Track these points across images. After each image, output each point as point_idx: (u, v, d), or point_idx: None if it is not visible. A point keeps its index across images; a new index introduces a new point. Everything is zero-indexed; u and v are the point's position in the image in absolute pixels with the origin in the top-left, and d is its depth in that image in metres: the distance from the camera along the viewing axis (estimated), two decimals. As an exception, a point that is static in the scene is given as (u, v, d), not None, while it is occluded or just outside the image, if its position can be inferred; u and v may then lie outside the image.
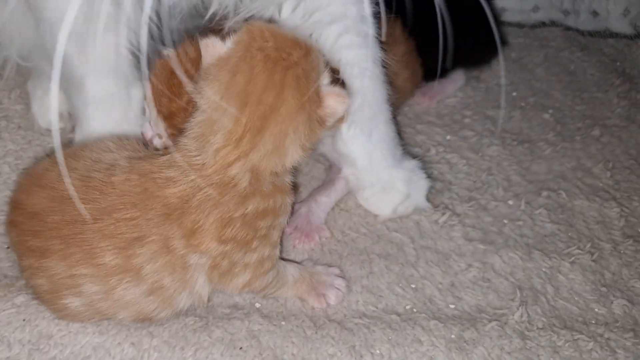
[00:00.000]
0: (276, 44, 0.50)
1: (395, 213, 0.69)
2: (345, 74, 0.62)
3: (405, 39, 0.79)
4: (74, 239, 0.50)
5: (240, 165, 0.50)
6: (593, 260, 0.68)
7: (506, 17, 1.04)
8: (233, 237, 0.51)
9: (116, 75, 0.61)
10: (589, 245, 0.70)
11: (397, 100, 0.78)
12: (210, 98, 0.50)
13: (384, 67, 0.66)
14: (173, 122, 0.59)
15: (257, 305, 0.60)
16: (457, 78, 0.89)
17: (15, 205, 0.54)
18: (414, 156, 0.76)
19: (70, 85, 0.63)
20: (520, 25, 1.03)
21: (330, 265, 0.64)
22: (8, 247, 0.59)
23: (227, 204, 0.51)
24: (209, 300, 0.56)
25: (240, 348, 0.55)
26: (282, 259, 0.61)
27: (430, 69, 0.84)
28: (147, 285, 0.51)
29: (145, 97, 0.60)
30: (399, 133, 0.79)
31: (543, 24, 1.04)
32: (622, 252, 0.70)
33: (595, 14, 1.04)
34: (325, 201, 0.68)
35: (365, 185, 0.69)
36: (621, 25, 1.03)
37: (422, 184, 0.70)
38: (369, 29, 0.61)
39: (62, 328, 0.54)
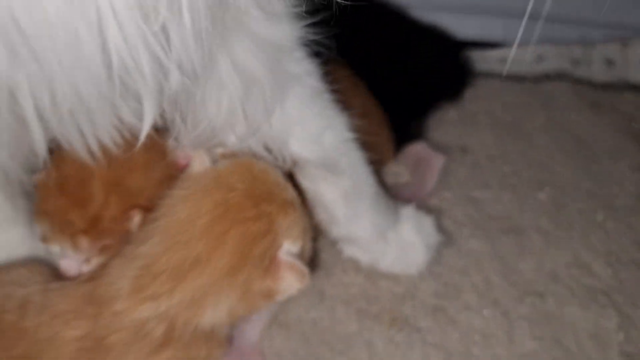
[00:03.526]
0: (248, 190, 0.46)
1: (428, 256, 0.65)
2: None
3: (364, 109, 0.70)
4: None
5: (151, 307, 0.43)
6: (580, 392, 0.57)
7: (506, 69, 0.92)
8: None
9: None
10: (576, 370, 0.59)
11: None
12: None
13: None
14: (100, 229, 0.52)
15: None
16: (432, 163, 0.76)
17: None
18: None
19: None
20: (520, 79, 0.91)
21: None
22: None
23: (141, 349, 0.44)
24: None
25: None
26: None
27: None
28: None
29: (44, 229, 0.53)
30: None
31: (548, 77, 0.91)
32: (618, 379, 0.59)
33: (609, 62, 0.91)
34: (256, 317, 0.60)
35: (380, 254, 0.64)
36: (641, 76, 0.90)
37: (427, 222, 0.65)
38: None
39: None
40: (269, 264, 0.46)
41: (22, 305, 0.46)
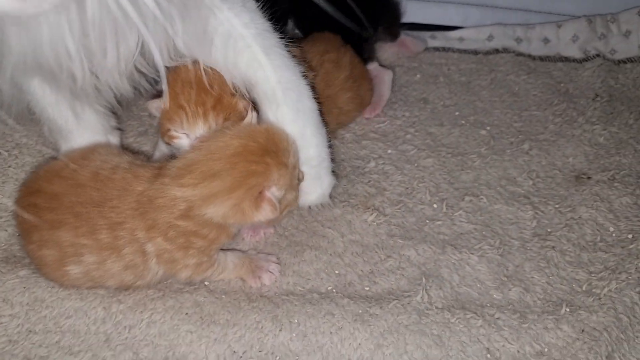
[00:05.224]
0: (263, 145, 0.67)
1: (322, 199, 0.80)
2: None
3: (351, 66, 0.94)
4: (82, 217, 0.67)
5: (180, 190, 0.66)
6: (500, 255, 0.80)
7: (463, 45, 1.16)
8: (173, 239, 0.67)
9: (95, 130, 0.80)
10: (498, 242, 0.82)
11: (339, 118, 0.93)
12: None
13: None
14: (223, 104, 0.73)
15: (206, 283, 0.75)
16: (384, 77, 1.03)
17: (35, 190, 0.70)
18: (355, 167, 0.90)
19: (58, 135, 0.81)
20: (475, 52, 1.15)
21: (269, 254, 0.78)
22: (19, 235, 0.77)
23: (171, 212, 0.66)
24: (167, 279, 0.72)
25: (186, 314, 0.70)
26: (230, 248, 0.77)
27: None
28: (125, 262, 0.68)
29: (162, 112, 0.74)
30: (345, 149, 0.94)
31: (497, 51, 1.15)
32: (528, 248, 0.81)
33: (546, 40, 1.15)
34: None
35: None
36: (571, 50, 1.14)
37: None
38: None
39: (52, 294, 0.71)
40: (258, 196, 0.67)
41: (115, 167, 0.70)
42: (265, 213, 0.67)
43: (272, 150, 0.68)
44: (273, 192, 0.68)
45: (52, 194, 0.69)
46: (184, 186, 0.66)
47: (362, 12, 0.99)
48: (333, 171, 0.81)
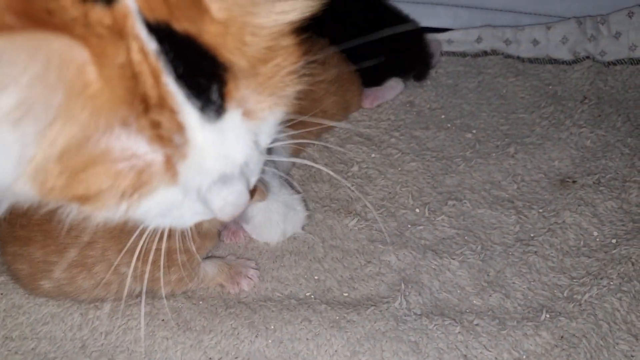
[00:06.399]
0: None
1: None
2: None
3: (337, 69, 0.94)
4: (50, 234, 0.67)
5: None
6: (481, 260, 0.79)
7: (451, 48, 1.16)
8: (154, 261, 0.66)
9: None
10: (480, 247, 0.81)
11: (323, 122, 0.93)
12: None
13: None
14: None
15: (184, 289, 0.75)
16: (395, 85, 1.03)
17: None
18: (338, 172, 0.90)
19: None
20: (463, 55, 1.15)
21: (248, 259, 0.78)
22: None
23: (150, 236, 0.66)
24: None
25: (162, 320, 0.70)
26: (208, 256, 0.77)
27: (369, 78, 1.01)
28: (96, 280, 0.67)
29: None
30: (329, 153, 0.93)
31: (485, 53, 1.15)
32: (510, 253, 0.80)
33: (535, 42, 1.14)
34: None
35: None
36: (561, 52, 1.13)
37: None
38: None
39: (29, 301, 0.71)
40: None
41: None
42: (255, 199, 0.67)
43: None
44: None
45: (23, 210, 0.69)
46: None
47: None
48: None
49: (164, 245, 0.64)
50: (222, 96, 0.35)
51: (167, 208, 0.39)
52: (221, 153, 0.36)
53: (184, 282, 0.71)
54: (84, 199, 0.36)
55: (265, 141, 0.41)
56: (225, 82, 0.35)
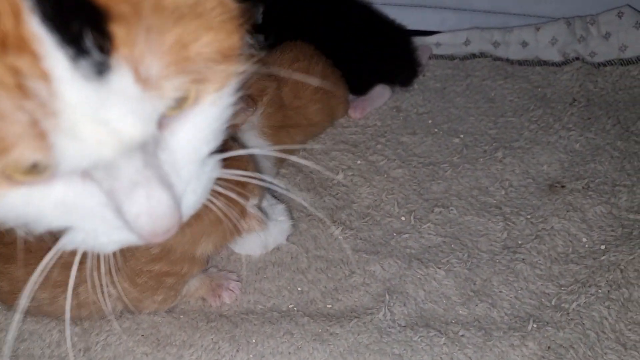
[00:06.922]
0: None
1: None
2: None
3: (322, 76, 0.93)
4: (33, 253, 0.66)
5: None
6: (467, 269, 0.78)
7: (439, 51, 1.14)
8: (143, 283, 0.66)
9: None
10: (467, 255, 0.80)
11: (309, 130, 0.92)
12: None
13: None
14: None
15: (165, 303, 0.73)
16: (383, 92, 1.01)
17: None
18: (323, 180, 0.89)
19: None
20: (451, 57, 1.13)
21: (230, 271, 0.77)
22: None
23: (140, 258, 0.64)
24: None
25: (142, 335, 0.69)
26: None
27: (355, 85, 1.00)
28: (79, 299, 0.66)
29: None
30: (314, 161, 0.92)
31: (474, 56, 1.13)
32: (497, 261, 0.79)
33: (524, 44, 1.13)
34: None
35: None
36: (550, 54, 1.12)
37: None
38: None
39: (7, 317, 0.70)
40: (242, 214, 0.66)
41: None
42: (253, 226, 0.66)
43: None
44: (252, 204, 0.67)
45: (4, 228, 0.67)
46: None
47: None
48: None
49: (154, 267, 0.64)
50: (106, 50, 0.29)
51: (59, 207, 0.34)
52: (102, 119, 0.30)
53: (168, 302, 0.70)
54: None
55: (201, 145, 0.35)
56: (111, 35, 0.29)
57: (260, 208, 0.70)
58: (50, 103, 0.29)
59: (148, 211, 0.34)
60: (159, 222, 0.34)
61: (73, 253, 0.61)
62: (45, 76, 0.29)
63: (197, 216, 0.61)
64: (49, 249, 0.62)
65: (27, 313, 0.69)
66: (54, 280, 0.64)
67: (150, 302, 0.68)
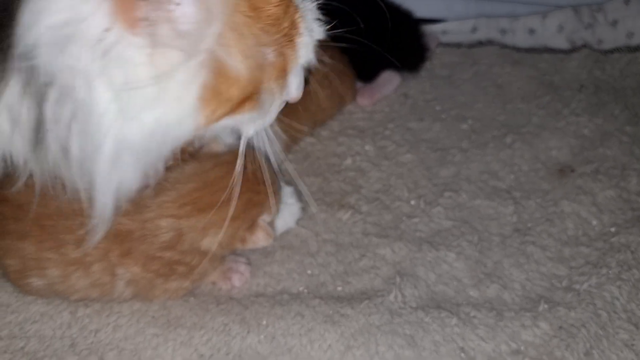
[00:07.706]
0: (255, 172, 0.64)
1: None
2: None
3: (331, 62, 0.92)
4: (48, 229, 0.66)
5: (170, 221, 0.64)
6: (478, 251, 0.78)
7: (446, 39, 1.14)
8: (155, 270, 0.66)
9: None
10: (477, 238, 0.79)
11: (317, 116, 0.91)
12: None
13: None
14: None
15: (175, 285, 0.73)
16: (391, 79, 1.01)
17: (1, 199, 0.67)
18: (332, 165, 0.89)
19: None
20: (458, 45, 1.13)
21: (239, 255, 0.77)
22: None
23: (152, 243, 0.64)
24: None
25: (152, 317, 0.69)
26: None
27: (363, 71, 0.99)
28: (92, 279, 0.66)
29: None
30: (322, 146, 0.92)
31: (481, 43, 1.13)
32: (508, 244, 0.79)
33: (531, 31, 1.13)
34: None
35: None
36: (557, 41, 1.12)
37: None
38: None
39: (18, 299, 0.70)
40: (252, 224, 0.67)
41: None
42: (260, 239, 0.68)
43: (263, 179, 0.65)
44: (264, 218, 0.68)
45: (18, 204, 0.67)
46: (179, 218, 0.64)
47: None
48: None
49: (165, 254, 0.64)
50: None
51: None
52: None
53: (180, 293, 0.70)
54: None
55: None
56: None
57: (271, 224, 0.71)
58: None
59: None
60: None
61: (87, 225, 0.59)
62: None
63: (225, 203, 0.62)
64: (65, 224, 0.62)
65: (38, 294, 0.69)
66: (69, 257, 0.64)
67: (162, 290, 0.68)
